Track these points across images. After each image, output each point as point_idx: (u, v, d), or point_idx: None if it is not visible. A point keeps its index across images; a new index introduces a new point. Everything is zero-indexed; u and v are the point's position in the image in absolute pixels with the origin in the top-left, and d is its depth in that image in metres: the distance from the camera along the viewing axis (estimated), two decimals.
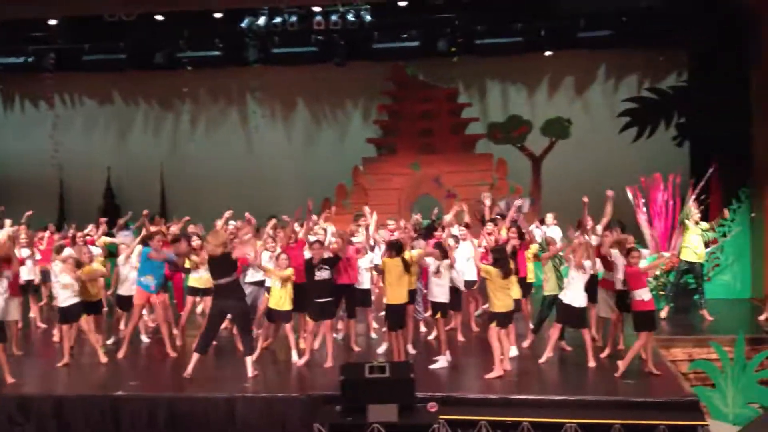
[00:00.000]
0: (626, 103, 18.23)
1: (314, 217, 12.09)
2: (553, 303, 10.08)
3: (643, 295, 9.20)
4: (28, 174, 19.62)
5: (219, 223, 11.44)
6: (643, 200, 14.94)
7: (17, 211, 13.55)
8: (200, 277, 10.97)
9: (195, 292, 11.25)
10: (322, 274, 9.91)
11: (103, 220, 13.62)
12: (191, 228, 12.74)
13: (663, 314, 12.41)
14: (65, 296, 10.15)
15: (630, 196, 14.88)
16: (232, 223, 12.08)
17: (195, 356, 9.46)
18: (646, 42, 16.35)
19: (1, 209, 13.61)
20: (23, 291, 12.49)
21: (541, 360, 9.85)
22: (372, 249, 11.18)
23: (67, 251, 10.65)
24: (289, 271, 9.98)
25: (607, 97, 18.61)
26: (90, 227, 13.53)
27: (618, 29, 15.62)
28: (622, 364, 9.28)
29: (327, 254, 10.04)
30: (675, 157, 16.86)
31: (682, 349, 10.90)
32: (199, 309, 12.46)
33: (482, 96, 19.23)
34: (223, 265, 9.40)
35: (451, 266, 10.05)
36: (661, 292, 12.90)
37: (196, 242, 11.16)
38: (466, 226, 11.83)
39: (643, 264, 9.64)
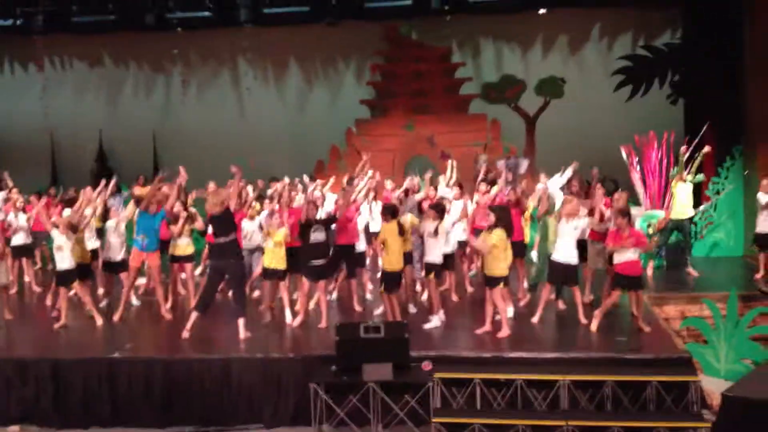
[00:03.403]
0: (621, 62, 18.11)
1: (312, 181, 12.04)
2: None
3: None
4: (19, 139, 19.48)
5: (212, 184, 11.40)
6: (636, 159, 14.95)
7: (11, 176, 13.53)
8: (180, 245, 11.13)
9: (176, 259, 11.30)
10: (318, 236, 9.88)
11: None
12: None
13: (649, 271, 12.47)
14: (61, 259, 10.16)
15: (624, 154, 14.86)
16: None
17: (194, 315, 9.49)
18: None
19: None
20: (18, 255, 12.48)
21: (534, 319, 9.89)
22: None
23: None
24: (282, 234, 9.98)
25: (601, 56, 18.47)
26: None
27: None
28: (595, 320, 9.40)
29: (322, 215, 10.03)
30: (669, 116, 16.80)
31: (674, 307, 10.95)
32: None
33: (476, 56, 19.07)
34: (224, 223, 9.43)
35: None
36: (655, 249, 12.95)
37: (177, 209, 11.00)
38: (459, 186, 11.82)
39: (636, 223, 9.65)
